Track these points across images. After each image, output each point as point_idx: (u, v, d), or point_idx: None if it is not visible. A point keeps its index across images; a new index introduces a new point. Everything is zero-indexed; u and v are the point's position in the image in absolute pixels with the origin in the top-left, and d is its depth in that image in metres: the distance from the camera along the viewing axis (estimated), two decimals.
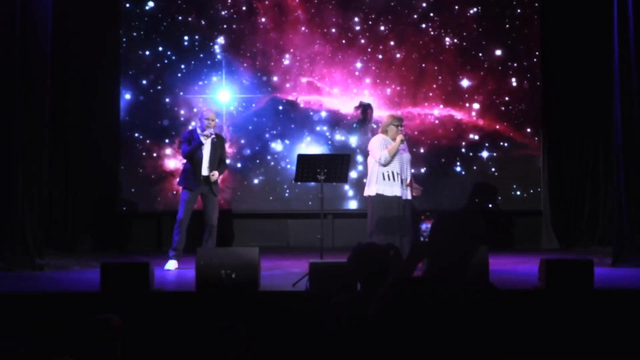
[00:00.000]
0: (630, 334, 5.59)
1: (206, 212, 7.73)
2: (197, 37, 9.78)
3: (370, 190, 7.17)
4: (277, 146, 9.76)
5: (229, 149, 9.55)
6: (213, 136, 7.72)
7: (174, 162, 9.59)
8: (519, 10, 9.74)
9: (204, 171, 7.70)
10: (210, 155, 7.72)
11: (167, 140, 9.63)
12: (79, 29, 9.30)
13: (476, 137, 9.73)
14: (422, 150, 9.71)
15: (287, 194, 9.71)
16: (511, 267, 7.46)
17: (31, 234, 7.51)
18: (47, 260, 7.68)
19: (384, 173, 7.10)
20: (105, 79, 9.57)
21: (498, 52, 9.72)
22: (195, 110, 9.61)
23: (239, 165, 9.68)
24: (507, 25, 9.73)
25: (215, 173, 7.70)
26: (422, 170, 9.68)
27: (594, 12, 9.00)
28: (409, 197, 7.20)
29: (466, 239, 2.66)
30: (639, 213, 7.59)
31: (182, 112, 9.68)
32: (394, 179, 7.09)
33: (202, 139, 7.66)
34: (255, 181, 9.73)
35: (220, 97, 9.77)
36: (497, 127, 9.71)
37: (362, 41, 9.82)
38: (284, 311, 5.73)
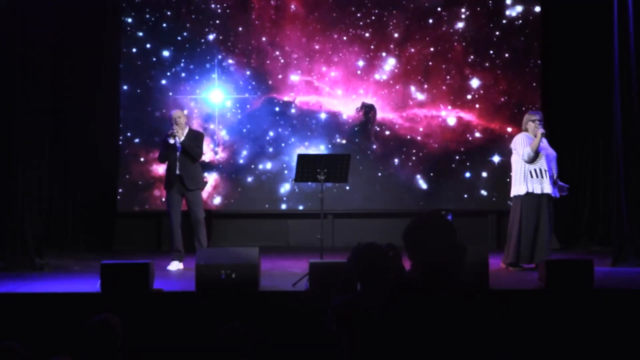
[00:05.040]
0: (630, 334, 5.59)
1: (190, 211, 7.77)
2: (187, 34, 9.53)
3: (519, 190, 7.23)
4: (274, 149, 9.57)
5: (222, 152, 9.52)
6: (178, 139, 7.62)
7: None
8: (521, 9, 9.67)
9: (177, 170, 7.68)
10: (180, 154, 7.66)
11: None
12: (79, 28, 9.27)
13: (485, 140, 9.61)
14: (428, 154, 9.62)
15: (285, 197, 9.62)
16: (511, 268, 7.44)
17: (31, 234, 7.52)
18: (47, 260, 7.68)
19: (531, 171, 7.19)
20: (105, 78, 9.53)
21: (499, 53, 9.66)
22: (186, 112, 9.47)
23: (235, 167, 9.60)
24: (509, 26, 9.65)
25: (178, 132, 7.60)
26: (431, 174, 9.64)
27: (594, 13, 8.98)
28: (557, 195, 7.29)
29: (438, 240, 2.67)
30: (639, 213, 7.61)
31: (168, 114, 9.27)
32: (542, 176, 7.17)
33: (169, 139, 7.65)
34: (253, 183, 9.60)
35: (213, 97, 9.56)
36: (509, 129, 9.46)
37: (365, 38, 9.59)
38: (284, 311, 5.73)
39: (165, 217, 9.54)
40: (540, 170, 7.19)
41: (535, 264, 7.10)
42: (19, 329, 5.39)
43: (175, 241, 7.66)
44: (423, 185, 9.64)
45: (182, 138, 7.67)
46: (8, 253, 7.40)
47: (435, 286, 2.61)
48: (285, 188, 9.61)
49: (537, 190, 7.18)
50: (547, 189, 7.17)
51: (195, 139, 7.80)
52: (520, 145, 7.26)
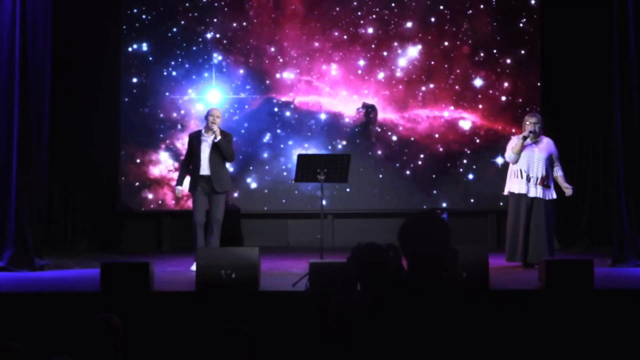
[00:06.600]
0: (630, 334, 5.59)
1: (210, 210, 7.66)
2: (183, 32, 9.41)
3: (505, 189, 7.65)
4: (272, 150, 9.49)
5: None
6: (218, 138, 7.51)
7: (165, 165, 9.46)
8: (523, 9, 9.63)
9: (203, 171, 7.60)
10: (210, 154, 7.60)
11: (160, 142, 9.47)
12: (77, 28, 9.25)
13: (488, 141, 9.54)
14: (430, 155, 9.56)
15: (284, 200, 9.58)
16: (512, 267, 7.46)
17: (31, 234, 7.52)
18: (47, 260, 7.67)
19: (514, 171, 7.54)
20: (105, 78, 9.51)
21: (503, 53, 9.60)
22: (182, 112, 9.44)
23: (234, 167, 9.54)
24: (512, 25, 9.58)
25: (217, 131, 7.48)
26: (433, 176, 9.62)
27: (594, 13, 8.99)
28: (540, 195, 7.41)
29: (432, 238, 2.68)
30: (639, 213, 7.62)
31: (163, 114, 9.38)
32: (521, 177, 7.45)
33: (206, 137, 7.57)
34: (253, 183, 9.56)
35: (210, 98, 9.43)
36: (513, 130, 9.28)
37: (366, 37, 9.49)
38: (284, 311, 5.73)
39: (165, 217, 9.58)
40: (520, 171, 7.46)
41: (525, 262, 7.40)
42: (19, 329, 5.39)
43: (197, 242, 7.53)
44: (424, 186, 9.61)
45: (219, 137, 7.54)
46: (8, 253, 7.40)
47: (429, 284, 2.61)
48: (284, 188, 9.56)
49: (516, 190, 7.48)
50: (524, 189, 7.43)
51: (228, 142, 7.67)
52: (508, 147, 7.59)
